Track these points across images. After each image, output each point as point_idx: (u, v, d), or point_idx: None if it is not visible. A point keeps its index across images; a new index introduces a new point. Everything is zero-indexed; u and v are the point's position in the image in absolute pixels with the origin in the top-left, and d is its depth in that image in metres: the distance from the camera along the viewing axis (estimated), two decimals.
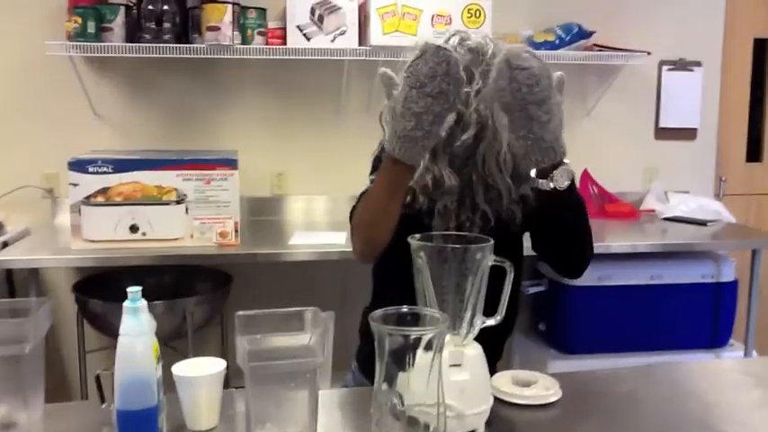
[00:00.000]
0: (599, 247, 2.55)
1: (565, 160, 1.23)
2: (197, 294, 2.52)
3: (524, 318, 3.08)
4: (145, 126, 2.87)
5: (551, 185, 1.23)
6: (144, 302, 0.97)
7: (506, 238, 1.34)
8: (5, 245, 2.48)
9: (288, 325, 1.04)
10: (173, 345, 2.60)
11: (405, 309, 1.00)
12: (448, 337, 1.10)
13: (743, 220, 3.20)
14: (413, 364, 0.93)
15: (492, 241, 1.12)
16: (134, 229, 2.35)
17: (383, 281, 1.54)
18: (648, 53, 3.01)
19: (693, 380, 1.40)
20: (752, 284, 2.77)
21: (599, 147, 3.17)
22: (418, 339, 0.93)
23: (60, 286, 2.74)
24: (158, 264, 2.39)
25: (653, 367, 1.51)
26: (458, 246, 1.10)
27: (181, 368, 1.12)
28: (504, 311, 1.16)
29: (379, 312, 0.96)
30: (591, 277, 2.66)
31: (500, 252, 1.13)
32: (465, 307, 1.12)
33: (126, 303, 0.96)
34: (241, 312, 1.04)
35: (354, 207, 1.43)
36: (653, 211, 3.12)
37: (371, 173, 1.49)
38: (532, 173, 1.25)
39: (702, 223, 2.93)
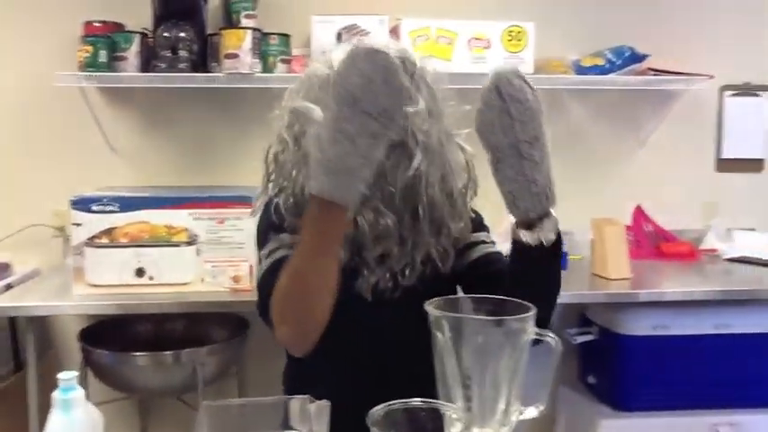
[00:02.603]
0: (652, 293, 2.36)
1: (551, 210, 1.04)
2: (210, 343, 2.31)
3: (572, 369, 2.80)
4: (164, 160, 2.71)
5: (536, 239, 1.03)
6: (80, 392, 0.74)
7: (440, 286, 1.13)
8: (9, 287, 2.31)
9: (268, 418, 0.81)
10: (185, 398, 2.41)
11: (417, 402, 0.76)
12: (476, 431, 0.86)
13: None
14: None
15: (534, 310, 0.87)
16: (140, 272, 2.15)
17: None
18: (711, 77, 2.73)
19: None
20: None
21: (654, 180, 2.91)
22: None
23: (67, 332, 2.56)
24: (165, 311, 2.19)
25: None
26: (492, 317, 0.86)
27: None
28: (547, 398, 0.91)
29: (379, 411, 0.72)
30: (646, 326, 2.40)
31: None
32: (498, 393, 0.87)
33: (55, 393, 0.74)
34: (207, 402, 0.81)
35: (264, 289, 1.17)
36: (715, 251, 2.82)
37: (262, 246, 1.24)
38: (511, 220, 1.06)
39: None
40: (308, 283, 1.06)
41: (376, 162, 0.99)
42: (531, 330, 0.86)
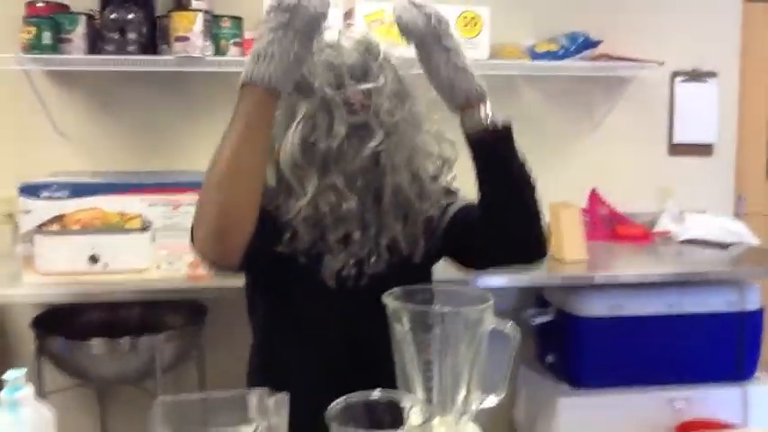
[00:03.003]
0: (607, 276, 2.40)
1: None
2: (167, 329, 2.28)
3: (530, 349, 2.84)
4: (113, 145, 2.63)
5: (485, 115, 1.14)
6: (27, 391, 0.72)
7: (410, 273, 1.13)
8: None
9: (226, 413, 0.80)
10: (145, 386, 2.37)
11: (376, 395, 0.76)
12: (437, 420, 0.86)
13: (764, 241, 2.96)
14: None
15: (492, 300, 0.87)
16: (94, 259, 2.11)
17: (264, 328, 1.29)
18: (661, 63, 2.77)
19: None
20: None
21: (608, 164, 2.94)
22: None
23: (19, 321, 2.49)
24: (120, 299, 2.16)
25: None
26: (448, 309, 0.85)
27: None
28: (506, 385, 0.92)
29: (339, 404, 0.72)
30: (602, 307, 2.44)
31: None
32: (458, 383, 0.87)
33: (1, 394, 0.71)
34: (163, 398, 0.80)
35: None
36: (668, 233, 2.88)
37: None
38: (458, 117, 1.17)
39: (723, 246, 2.69)
40: (228, 167, 1.07)
41: (300, 57, 1.08)
42: (490, 320, 0.86)
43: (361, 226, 1.18)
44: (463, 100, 1.15)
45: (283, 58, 1.06)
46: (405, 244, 1.21)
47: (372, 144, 1.16)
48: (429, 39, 1.14)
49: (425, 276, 1.29)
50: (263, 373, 1.27)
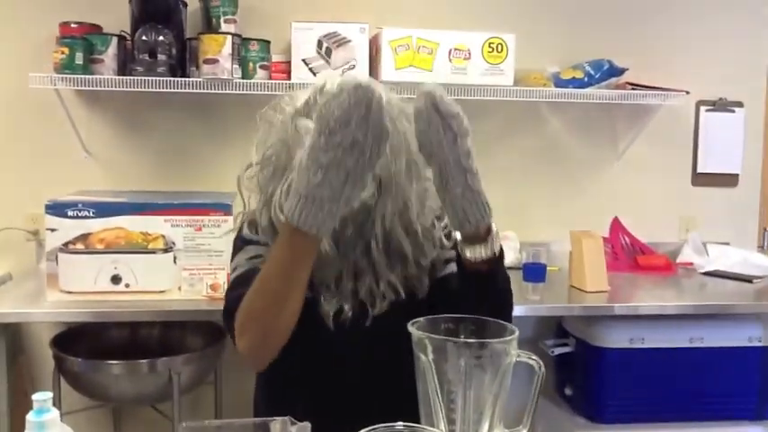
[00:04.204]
0: (627, 307, 2.37)
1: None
2: (186, 350, 2.29)
3: (549, 380, 2.79)
4: (140, 165, 2.67)
5: (490, 250, 1.07)
6: (54, 414, 0.72)
7: (416, 310, 1.08)
8: None
9: None
10: (161, 408, 2.38)
11: (400, 426, 0.75)
12: None
13: None
14: None
15: (517, 332, 0.87)
16: (116, 279, 2.12)
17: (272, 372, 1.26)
18: (687, 92, 2.76)
19: None
20: None
21: (631, 193, 2.94)
22: None
23: (39, 338, 2.52)
24: (142, 319, 2.17)
25: None
26: (475, 339, 0.85)
27: None
28: (530, 420, 0.91)
29: None
30: (622, 339, 2.41)
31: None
32: (481, 416, 0.87)
33: (29, 416, 0.72)
34: (187, 424, 0.80)
35: (229, 299, 1.18)
36: (690, 264, 2.85)
37: (234, 256, 1.27)
38: (457, 236, 1.09)
39: (748, 279, 2.65)
40: (271, 301, 1.08)
41: (349, 199, 1.00)
42: (514, 353, 0.86)
43: (353, 271, 1.19)
44: (474, 230, 1.07)
45: (332, 204, 0.98)
46: (403, 287, 1.20)
47: (364, 195, 1.11)
48: (451, 161, 1.02)
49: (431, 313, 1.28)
50: (268, 408, 1.27)
